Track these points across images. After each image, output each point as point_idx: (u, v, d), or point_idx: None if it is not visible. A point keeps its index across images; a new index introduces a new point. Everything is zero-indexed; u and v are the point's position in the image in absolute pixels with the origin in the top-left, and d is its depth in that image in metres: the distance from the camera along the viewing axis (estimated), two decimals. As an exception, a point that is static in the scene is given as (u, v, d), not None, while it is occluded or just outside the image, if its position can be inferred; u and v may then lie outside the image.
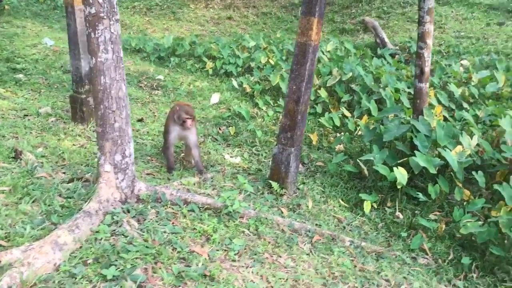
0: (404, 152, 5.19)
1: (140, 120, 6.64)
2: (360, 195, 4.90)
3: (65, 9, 5.70)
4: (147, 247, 3.34)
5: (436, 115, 5.35)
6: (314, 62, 4.74)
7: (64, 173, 4.50)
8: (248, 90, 8.00)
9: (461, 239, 4.42)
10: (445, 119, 5.98)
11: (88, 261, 3.13)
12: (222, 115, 7.04)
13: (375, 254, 4.02)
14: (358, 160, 5.34)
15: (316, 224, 4.38)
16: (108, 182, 3.78)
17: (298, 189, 5.02)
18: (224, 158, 5.68)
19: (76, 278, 2.97)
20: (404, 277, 3.73)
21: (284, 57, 9.54)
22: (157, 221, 3.75)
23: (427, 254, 4.22)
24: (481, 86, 7.74)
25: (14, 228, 3.37)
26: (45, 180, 4.18)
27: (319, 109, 7.03)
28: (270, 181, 4.89)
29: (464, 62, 9.71)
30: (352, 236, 4.29)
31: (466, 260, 4.03)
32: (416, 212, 4.81)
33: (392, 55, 10.61)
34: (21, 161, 4.52)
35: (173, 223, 3.77)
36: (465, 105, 7.08)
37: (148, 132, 6.23)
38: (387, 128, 5.18)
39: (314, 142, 6.26)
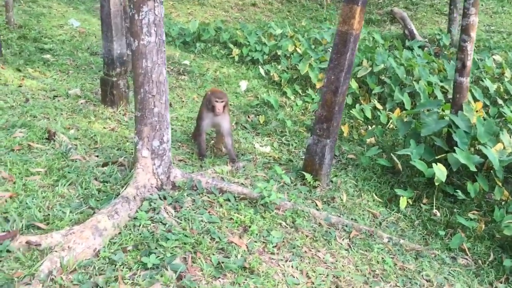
0: (442, 148, 5.05)
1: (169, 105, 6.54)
2: (395, 190, 4.79)
3: (98, -10, 5.61)
4: (186, 236, 3.27)
5: (476, 111, 5.19)
6: (354, 52, 4.61)
7: (97, 156, 4.44)
8: (276, 78, 7.88)
9: (502, 240, 4.30)
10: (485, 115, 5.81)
11: (128, 248, 3.07)
12: (251, 103, 6.94)
13: (414, 252, 3.92)
14: (392, 155, 5.22)
15: (352, 219, 4.28)
16: (145, 168, 3.71)
17: (331, 181, 4.91)
18: (254, 147, 5.58)
19: (116, 265, 2.91)
20: (445, 278, 3.63)
21: (312, 46, 9.37)
22: (193, 209, 3.67)
23: (466, 254, 4.11)
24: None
25: (52, 211, 3.32)
26: (80, 163, 4.12)
27: (349, 100, 6.89)
28: (304, 172, 4.78)
29: (497, 57, 9.48)
30: (389, 233, 4.19)
31: (508, 263, 3.90)
32: (453, 210, 4.68)
33: (421, 47, 10.38)
34: (55, 143, 4.47)
35: (209, 212, 3.69)
36: (500, 101, 6.89)
37: (177, 117, 6.15)
38: (425, 123, 5.04)
39: (345, 134, 6.15)
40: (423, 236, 4.35)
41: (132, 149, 4.72)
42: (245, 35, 9.78)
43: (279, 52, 9.15)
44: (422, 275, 3.57)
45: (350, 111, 6.68)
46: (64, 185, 3.69)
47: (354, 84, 7.06)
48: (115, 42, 5.70)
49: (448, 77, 7.31)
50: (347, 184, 4.93)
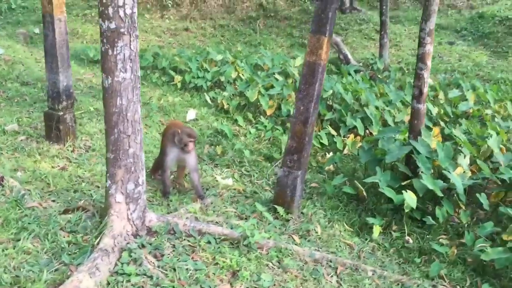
0: (405, 174, 5.13)
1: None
2: (366, 219, 4.77)
3: (42, 19, 5.21)
4: (176, 288, 3.00)
5: (434, 136, 5.34)
6: (322, 82, 4.58)
7: (53, 201, 4.05)
8: (225, 105, 7.72)
9: (474, 264, 4.38)
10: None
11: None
12: (205, 133, 6.72)
13: (399, 284, 3.88)
14: (356, 182, 5.22)
15: (331, 252, 4.19)
16: (119, 214, 3.41)
17: (302, 213, 4.81)
18: (216, 180, 5.37)
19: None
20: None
21: (254, 72, 9.34)
22: (175, 257, 3.41)
23: (444, 281, 4.14)
24: (451, 105, 7.95)
25: (19, 271, 2.92)
26: (39, 211, 3.72)
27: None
28: (275, 205, 4.65)
29: (429, 80, 9.94)
30: (370, 264, 4.13)
31: (486, 287, 3.97)
32: (423, 236, 4.73)
33: (357, 72, 10.71)
34: (4, 189, 4.01)
35: (193, 258, 3.45)
36: (442, 123, 7.19)
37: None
38: (389, 149, 5.10)
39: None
40: (399, 264, 4.34)
41: (89, 191, 4.38)
42: (185, 61, 9.58)
43: (222, 79, 9.04)
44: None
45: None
46: (27, 238, 3.30)
47: (305, 111, 7.06)
48: (61, 74, 5.30)
49: (393, 101, 7.54)
50: (317, 215, 4.84)
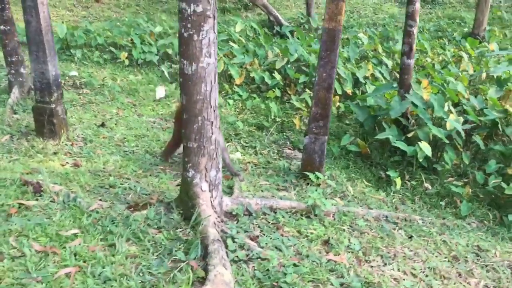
0: (406, 127, 5.51)
1: (102, 125, 5.83)
2: (387, 173, 5.09)
3: (22, 4, 4.67)
4: (296, 265, 3.07)
5: (424, 88, 5.76)
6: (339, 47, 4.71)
7: (106, 201, 3.80)
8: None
9: (486, 200, 4.91)
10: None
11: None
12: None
13: (444, 227, 4.26)
14: (358, 140, 5.53)
15: (373, 208, 4.45)
16: (207, 203, 3.33)
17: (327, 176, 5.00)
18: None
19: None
20: (478, 246, 4.01)
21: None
22: (267, 236, 3.43)
23: (471, 218, 4.61)
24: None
25: (140, 276, 2.79)
26: (104, 213, 3.49)
27: (278, 93, 6.96)
28: (305, 172, 4.78)
29: (360, 35, 10.47)
30: (410, 213, 4.46)
31: (511, 217, 4.51)
32: (434, 182, 5.17)
33: (291, 32, 10.92)
34: (47, 195, 3.69)
35: (282, 234, 3.49)
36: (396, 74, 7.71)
37: (125, 138, 5.52)
38: (391, 106, 5.42)
39: (297, 127, 6.24)
40: (428, 210, 4.74)
41: (123, 184, 4.15)
42: (123, 36, 9.11)
43: (170, 51, 8.76)
44: (474, 246, 3.91)
45: (288, 102, 6.78)
46: (122, 242, 3.11)
47: (278, 76, 7.17)
48: (50, 63, 4.85)
49: (350, 58, 7.88)
50: (339, 176, 5.06)
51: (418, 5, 5.37)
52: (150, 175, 4.50)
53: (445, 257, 3.59)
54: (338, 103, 6.61)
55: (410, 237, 3.84)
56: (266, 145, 5.81)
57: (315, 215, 3.83)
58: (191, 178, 3.31)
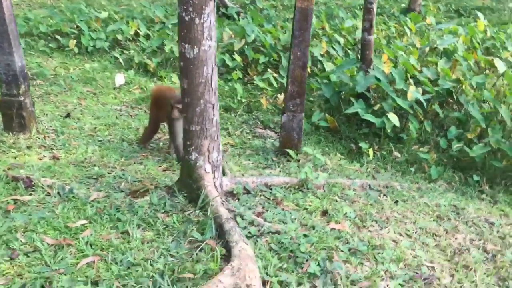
0: (369, 100, 5.79)
1: (68, 116, 5.67)
2: (359, 144, 5.34)
3: (-17, -9, 4.43)
4: (306, 236, 3.23)
5: (384, 63, 6.04)
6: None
7: (101, 190, 3.77)
8: (151, 65, 7.44)
9: (449, 163, 5.30)
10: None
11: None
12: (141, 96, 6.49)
13: (418, 190, 4.57)
14: (326, 116, 5.76)
15: (352, 178, 4.68)
16: (211, 184, 3.41)
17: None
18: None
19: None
20: (454, 205, 4.35)
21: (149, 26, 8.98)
22: (270, 211, 3.57)
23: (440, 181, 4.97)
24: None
25: (164, 259, 2.85)
26: (105, 202, 3.48)
27: (239, 74, 7.03)
28: (285, 149, 4.93)
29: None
30: (387, 181, 4.74)
31: (476, 178, 4.91)
32: (401, 150, 5.49)
33: (238, 14, 10.96)
34: (40, 188, 3.61)
35: (283, 209, 3.64)
36: (350, 52, 8.02)
37: (96, 128, 5.41)
38: (357, 81, 5.66)
39: (264, 106, 6.36)
40: (401, 176, 5.05)
41: (111, 173, 4.12)
42: (66, 23, 8.80)
43: (120, 37, 8.57)
44: (451, 206, 4.25)
45: (251, 83, 6.87)
46: (134, 229, 3.13)
47: (238, 58, 7.23)
48: (16, 54, 4.65)
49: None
50: (314, 150, 5.26)
51: (376, -17, 5.61)
52: (134, 163, 4.48)
53: (431, 217, 3.89)
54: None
55: (396, 201, 4.10)
56: (237, 126, 5.90)
57: (307, 189, 4.00)
58: (194, 160, 3.36)
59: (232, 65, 7.18)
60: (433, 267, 3.19)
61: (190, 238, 3.07)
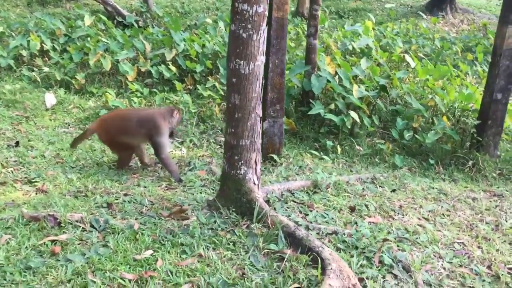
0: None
1: (17, 145, 5.15)
2: (326, 142, 5.68)
3: None
4: (358, 231, 3.47)
5: (328, 64, 6.46)
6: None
7: (125, 218, 3.58)
8: (81, 81, 6.96)
9: (403, 151, 5.90)
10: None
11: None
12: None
13: (393, 178, 5.05)
14: (286, 118, 6.02)
15: (337, 174, 5.01)
16: (260, 196, 3.47)
17: (278, 155, 5.37)
18: (172, 152, 5.31)
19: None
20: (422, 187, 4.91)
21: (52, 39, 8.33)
22: (306, 214, 3.73)
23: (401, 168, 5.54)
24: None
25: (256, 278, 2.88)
26: (150, 228, 3.34)
27: (178, 86, 6.92)
28: (271, 155, 5.08)
29: (208, 20, 10.85)
30: (363, 173, 5.16)
31: (431, 161, 5.56)
32: (357, 143, 5.97)
33: (137, 22, 10.67)
34: (66, 226, 3.32)
35: (316, 210, 3.82)
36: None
37: (58, 154, 5.01)
38: (313, 83, 6.01)
39: (217, 115, 6.39)
40: (370, 167, 5.51)
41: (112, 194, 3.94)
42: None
43: (25, 53, 7.87)
44: (434, 188, 4.80)
45: (198, 91, 6.82)
46: (205, 250, 3.07)
47: (173, 68, 7.14)
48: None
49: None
50: (293, 152, 5.49)
51: (320, -10, 6.01)
52: (137, 185, 4.29)
53: (429, 200, 4.38)
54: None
55: (393, 190, 4.53)
56: (199, 137, 5.87)
57: (320, 189, 4.23)
58: (243, 174, 3.38)
59: (168, 75, 7.05)
60: (462, 243, 3.63)
61: (265, 251, 3.11)
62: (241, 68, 3.11)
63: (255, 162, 3.39)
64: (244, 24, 3.00)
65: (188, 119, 6.23)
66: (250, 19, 3.00)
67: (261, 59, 3.15)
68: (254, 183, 3.40)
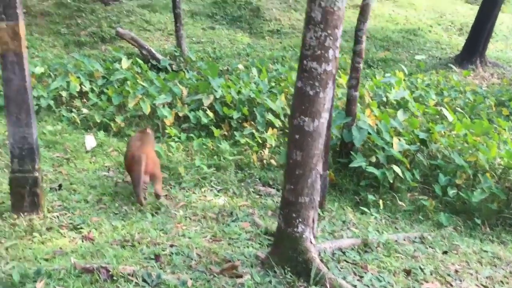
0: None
1: (60, 187, 5.15)
2: (369, 197, 5.57)
3: (2, 58, 3.93)
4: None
5: (368, 116, 6.43)
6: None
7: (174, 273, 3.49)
8: (120, 124, 7.02)
9: (447, 209, 5.75)
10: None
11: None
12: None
13: (443, 237, 4.90)
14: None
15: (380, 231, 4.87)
16: (317, 255, 3.36)
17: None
18: (209, 201, 5.23)
19: None
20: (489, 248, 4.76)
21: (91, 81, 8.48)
22: (363, 276, 3.61)
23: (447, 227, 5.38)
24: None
25: None
26: (205, 286, 3.24)
27: (216, 132, 6.91)
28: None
29: (240, 66, 10.96)
30: (409, 231, 5.02)
31: (478, 221, 5.40)
32: (398, 198, 5.84)
33: (171, 65, 10.85)
34: (118, 279, 3.24)
35: (372, 273, 3.69)
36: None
37: (101, 199, 4.98)
38: (354, 135, 5.95)
39: (255, 163, 6.34)
40: (411, 224, 5.36)
41: (161, 249, 3.86)
42: None
43: (64, 94, 7.99)
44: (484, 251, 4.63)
45: (235, 139, 6.81)
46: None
47: (211, 114, 7.16)
48: (33, 126, 4.18)
49: (263, 90, 8.23)
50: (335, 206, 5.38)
51: (364, 44, 6.04)
52: (182, 236, 4.22)
53: (485, 265, 4.22)
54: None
55: (444, 252, 4.37)
56: (238, 186, 5.81)
57: (370, 248, 4.10)
58: (300, 233, 3.29)
59: (206, 121, 7.08)
60: (527, 314, 3.46)
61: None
62: (306, 125, 3.08)
63: (313, 220, 3.31)
64: (311, 82, 2.99)
65: (225, 166, 6.18)
66: (318, 77, 2.98)
67: (325, 116, 3.12)
68: (311, 242, 3.31)
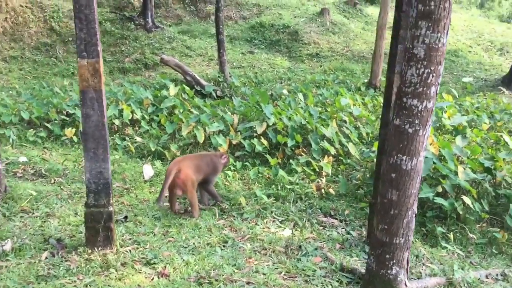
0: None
1: (126, 219, 5.14)
2: (438, 229, 5.38)
3: (81, 95, 3.96)
4: None
5: (430, 144, 6.26)
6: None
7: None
8: (176, 153, 7.03)
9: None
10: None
11: None
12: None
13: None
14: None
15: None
16: (411, 298, 3.21)
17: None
18: (274, 234, 5.12)
19: None
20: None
21: (142, 109, 8.56)
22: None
23: None
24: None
25: None
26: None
27: (273, 161, 6.83)
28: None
29: (284, 91, 10.94)
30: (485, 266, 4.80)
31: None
32: (468, 230, 5.62)
33: (215, 91, 10.89)
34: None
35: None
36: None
37: (168, 231, 4.94)
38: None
39: (315, 192, 6.23)
40: (484, 257, 5.14)
41: None
42: (48, 109, 8.19)
43: (117, 122, 8.08)
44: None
45: (295, 168, 6.72)
46: None
47: (265, 142, 7.11)
48: (108, 161, 4.18)
49: (314, 117, 8.15)
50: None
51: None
52: (255, 272, 4.12)
53: None
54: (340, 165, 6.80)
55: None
56: (299, 216, 5.69)
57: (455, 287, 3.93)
58: (394, 275, 3.16)
59: (260, 149, 7.02)
60: None
61: None
62: (403, 164, 2.97)
63: (407, 261, 3.17)
64: (411, 120, 2.89)
65: (284, 196, 6.09)
66: (419, 114, 2.88)
67: (423, 154, 3.00)
68: (406, 285, 3.17)
